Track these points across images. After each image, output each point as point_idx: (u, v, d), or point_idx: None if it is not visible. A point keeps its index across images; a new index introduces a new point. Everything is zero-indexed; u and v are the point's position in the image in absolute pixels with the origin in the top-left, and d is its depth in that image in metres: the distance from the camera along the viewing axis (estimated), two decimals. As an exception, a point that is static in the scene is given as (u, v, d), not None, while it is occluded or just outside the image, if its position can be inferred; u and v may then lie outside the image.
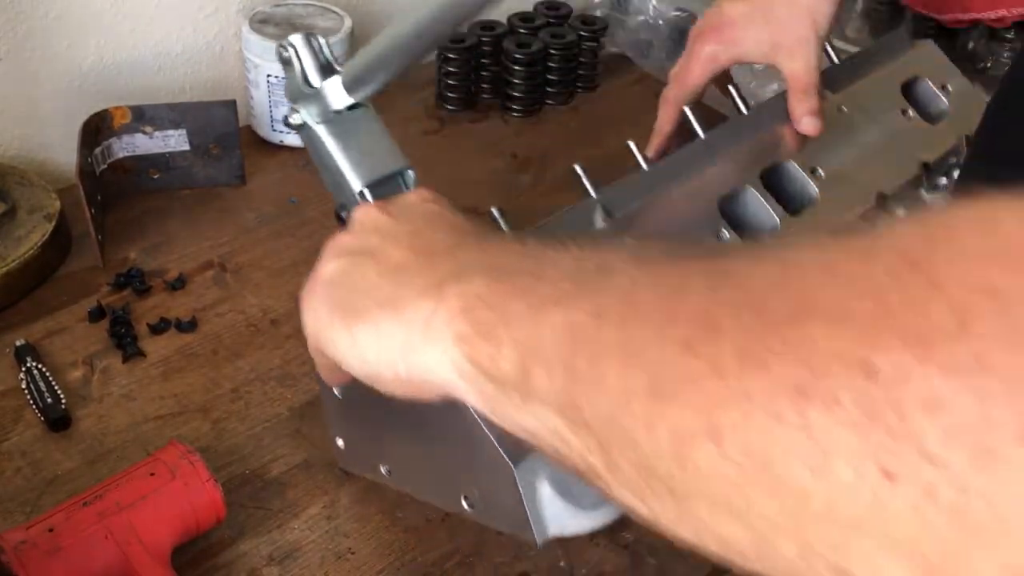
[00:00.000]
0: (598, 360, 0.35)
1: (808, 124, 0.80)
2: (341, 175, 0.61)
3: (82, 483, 0.68)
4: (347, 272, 0.49)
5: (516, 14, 1.15)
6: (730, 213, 0.74)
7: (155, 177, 0.96)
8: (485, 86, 1.12)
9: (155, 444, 0.71)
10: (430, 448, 0.59)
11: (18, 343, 0.77)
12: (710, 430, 0.30)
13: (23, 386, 0.74)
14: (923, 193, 0.83)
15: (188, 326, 0.82)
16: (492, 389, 0.40)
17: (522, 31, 1.12)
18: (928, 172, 0.84)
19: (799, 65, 0.80)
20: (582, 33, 1.14)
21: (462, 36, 1.11)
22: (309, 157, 0.66)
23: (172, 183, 0.96)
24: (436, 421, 0.56)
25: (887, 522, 0.27)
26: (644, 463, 0.33)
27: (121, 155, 0.94)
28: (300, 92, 0.62)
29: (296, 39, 0.62)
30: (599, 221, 0.68)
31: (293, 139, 1.03)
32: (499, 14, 1.19)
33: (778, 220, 0.74)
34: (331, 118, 0.61)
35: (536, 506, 0.53)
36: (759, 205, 0.75)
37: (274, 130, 1.02)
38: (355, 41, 1.03)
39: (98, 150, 0.92)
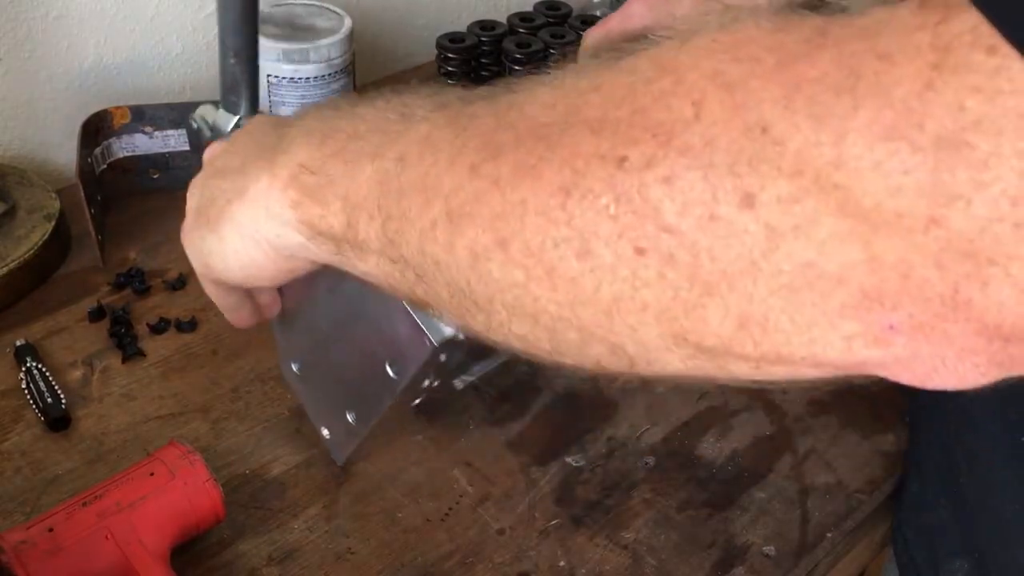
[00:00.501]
0: (403, 198, 0.39)
1: None
2: None
3: (82, 483, 0.68)
4: (203, 194, 0.56)
5: (516, 14, 1.15)
6: None
7: (155, 177, 0.96)
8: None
9: (155, 444, 0.71)
10: (353, 335, 0.62)
11: (18, 343, 0.77)
12: (497, 241, 0.35)
13: (23, 386, 0.74)
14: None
15: (188, 326, 0.81)
16: (332, 246, 0.45)
17: (522, 31, 1.12)
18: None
19: None
20: (582, 33, 1.14)
21: (462, 36, 1.11)
22: None
23: (172, 183, 0.95)
24: (342, 311, 0.62)
25: (642, 292, 0.32)
26: (452, 283, 0.38)
27: (121, 155, 0.94)
28: (202, 146, 0.73)
29: (197, 114, 0.75)
30: None
31: (293, 139, 1.03)
32: (499, 14, 1.19)
33: None
34: None
35: (425, 315, 0.57)
36: None
37: (274, 130, 1.02)
38: (355, 41, 1.03)
39: (98, 150, 0.92)
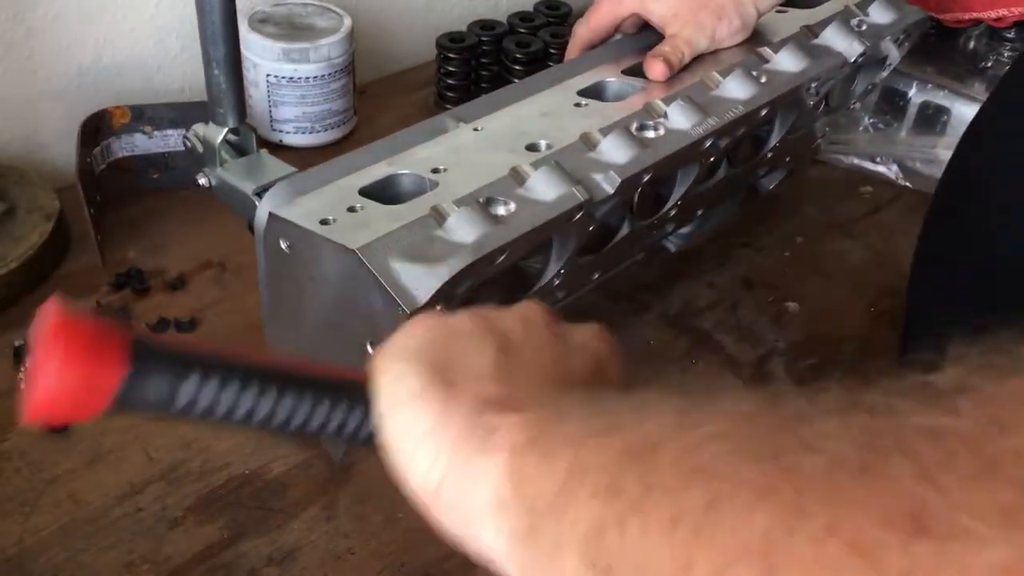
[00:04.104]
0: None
1: (655, 66, 0.78)
2: (241, 192, 0.70)
3: (82, 483, 0.68)
4: (465, 332, 0.43)
5: (516, 14, 1.15)
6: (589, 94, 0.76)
7: (155, 177, 0.96)
8: (485, 86, 1.12)
9: (155, 444, 0.71)
10: (337, 321, 0.62)
11: (17, 343, 0.77)
12: None
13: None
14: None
15: (187, 326, 0.81)
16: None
17: (522, 31, 1.12)
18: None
19: (685, 33, 0.80)
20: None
21: (462, 36, 1.11)
22: (306, 159, 0.67)
23: (172, 183, 0.95)
24: (325, 297, 0.61)
25: None
26: None
27: (121, 155, 0.94)
28: (201, 160, 0.73)
29: (192, 132, 0.74)
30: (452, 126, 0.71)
31: (292, 139, 1.03)
32: (499, 14, 1.19)
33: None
34: (224, 166, 0.73)
35: (395, 280, 0.56)
36: (619, 84, 0.77)
37: (273, 129, 1.02)
38: (355, 41, 1.03)
39: (97, 150, 0.92)
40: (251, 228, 0.65)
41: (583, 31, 0.85)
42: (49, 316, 0.37)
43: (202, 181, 0.73)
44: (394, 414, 0.41)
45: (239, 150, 0.73)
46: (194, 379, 0.38)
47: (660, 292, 0.89)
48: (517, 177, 0.63)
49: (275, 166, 0.72)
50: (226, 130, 0.72)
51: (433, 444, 0.39)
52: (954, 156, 0.75)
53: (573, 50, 0.86)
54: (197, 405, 0.39)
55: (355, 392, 0.42)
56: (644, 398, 0.35)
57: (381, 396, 0.41)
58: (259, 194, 0.67)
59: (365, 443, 0.43)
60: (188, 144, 0.74)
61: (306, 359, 0.43)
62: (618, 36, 0.85)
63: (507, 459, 0.36)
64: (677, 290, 0.89)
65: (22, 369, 0.41)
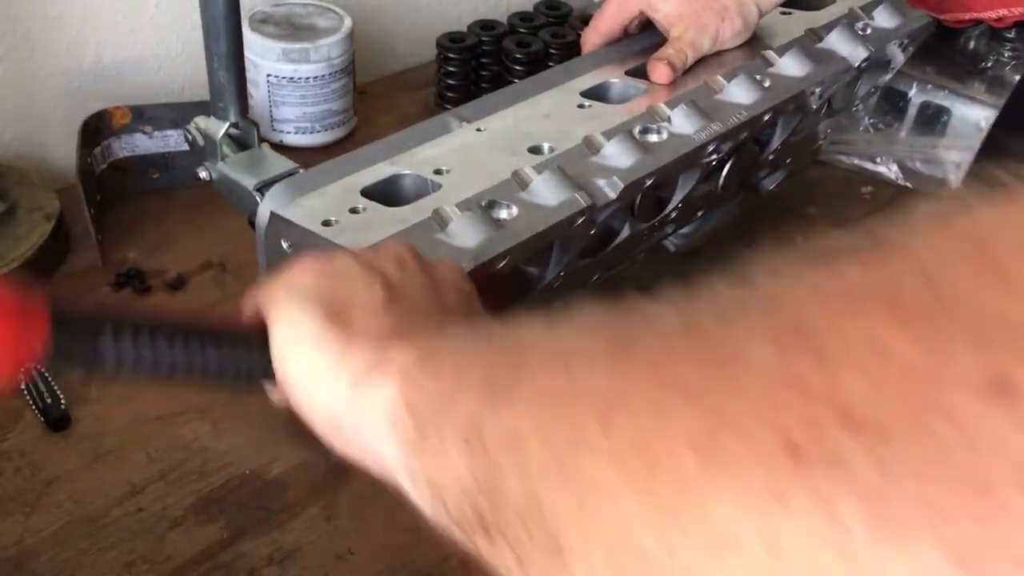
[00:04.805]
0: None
1: (659, 69, 0.79)
2: (242, 187, 0.70)
3: (82, 483, 0.68)
4: (351, 275, 0.47)
5: (516, 14, 1.15)
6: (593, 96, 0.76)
7: (155, 177, 0.96)
8: (485, 86, 1.12)
9: (155, 444, 0.71)
10: None
11: (18, 343, 0.77)
12: None
13: (23, 386, 0.74)
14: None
15: (188, 326, 0.81)
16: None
17: (522, 31, 1.12)
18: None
19: (689, 35, 0.80)
20: (582, 33, 1.14)
21: (462, 36, 1.11)
22: (307, 159, 0.68)
23: (172, 183, 0.95)
24: None
25: None
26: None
27: (121, 155, 0.94)
28: (202, 153, 0.74)
29: (193, 125, 0.75)
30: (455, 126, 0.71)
31: (293, 139, 1.03)
32: (499, 14, 1.19)
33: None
34: (226, 160, 0.74)
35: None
36: (623, 86, 0.78)
37: (274, 129, 1.02)
38: (355, 41, 1.03)
39: (98, 150, 0.92)
40: (251, 223, 0.65)
41: (594, 37, 0.85)
42: None
43: (203, 175, 0.72)
44: (294, 354, 0.45)
45: (240, 144, 0.73)
46: (107, 334, 0.43)
47: (659, 291, 0.88)
48: (519, 180, 0.63)
49: (276, 161, 0.72)
50: (228, 124, 0.72)
51: (334, 379, 0.43)
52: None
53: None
54: (113, 358, 0.43)
55: (250, 336, 0.46)
56: (517, 319, 0.39)
57: (279, 338, 0.45)
58: (260, 189, 0.67)
59: (262, 379, 0.47)
60: (189, 137, 0.74)
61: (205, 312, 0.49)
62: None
63: (399, 379, 0.40)
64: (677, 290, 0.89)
65: None
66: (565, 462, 0.30)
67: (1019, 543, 0.22)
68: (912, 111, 1.06)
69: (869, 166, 1.05)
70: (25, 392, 0.74)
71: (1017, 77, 1.05)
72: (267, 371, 0.46)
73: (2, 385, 0.42)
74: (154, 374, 0.45)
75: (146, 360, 0.44)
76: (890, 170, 1.05)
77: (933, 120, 1.05)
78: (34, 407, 0.73)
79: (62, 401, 0.73)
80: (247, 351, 0.46)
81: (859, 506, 0.23)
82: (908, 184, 1.04)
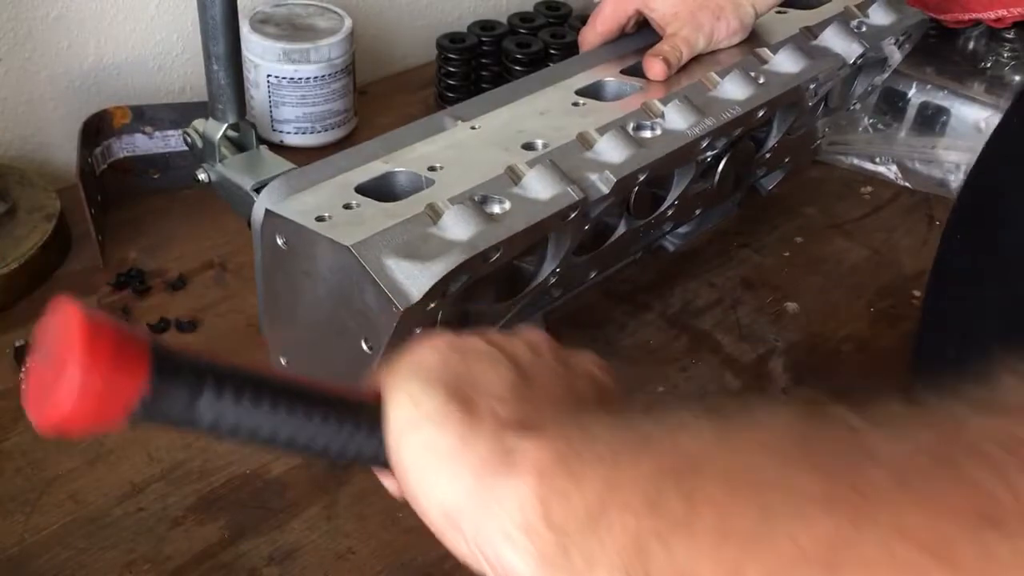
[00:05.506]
0: None
1: (654, 65, 0.78)
2: (240, 189, 0.71)
3: (82, 483, 0.68)
4: (479, 355, 0.43)
5: (516, 14, 1.15)
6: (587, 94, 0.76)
7: (155, 177, 0.96)
8: (485, 86, 1.12)
9: (155, 444, 0.71)
10: (331, 318, 0.62)
11: (18, 343, 0.77)
12: None
13: (25, 387, 0.74)
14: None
15: (188, 326, 0.82)
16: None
17: (522, 31, 1.12)
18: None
19: (684, 32, 0.80)
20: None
21: (462, 36, 1.11)
22: (307, 159, 0.67)
23: (172, 183, 0.95)
24: (320, 294, 0.61)
25: None
26: None
27: (121, 155, 0.94)
28: (201, 155, 0.74)
29: (192, 128, 0.76)
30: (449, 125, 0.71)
31: (293, 139, 1.03)
32: (499, 14, 1.19)
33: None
34: (224, 162, 0.74)
35: (389, 277, 0.56)
36: (618, 84, 0.77)
37: (274, 130, 1.02)
38: (355, 41, 1.03)
39: (98, 150, 0.92)
40: (250, 224, 0.66)
41: (592, 36, 0.85)
42: (70, 320, 0.34)
43: (201, 176, 0.73)
44: (410, 436, 0.40)
45: (239, 146, 0.73)
46: (210, 390, 0.37)
47: (660, 292, 0.89)
48: (513, 176, 0.63)
49: (274, 162, 0.72)
50: (226, 126, 0.72)
51: (454, 465, 0.38)
52: (976, 168, 0.74)
53: None
54: (208, 418, 0.38)
55: (366, 413, 0.41)
56: (667, 414, 0.35)
57: (395, 417, 0.40)
58: (258, 190, 0.68)
59: (375, 464, 0.42)
60: (188, 139, 0.74)
61: (315, 378, 0.42)
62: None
63: (534, 480, 0.36)
64: (677, 290, 0.89)
65: (23, 369, 0.39)
66: None
67: None
68: (911, 111, 1.06)
69: (868, 166, 1.05)
70: (26, 392, 0.74)
71: (1017, 77, 1.05)
72: (379, 454, 0.41)
73: (90, 429, 0.36)
74: (249, 442, 0.40)
75: (244, 427, 0.39)
76: (890, 170, 1.05)
77: (932, 120, 1.05)
78: (34, 407, 0.73)
79: (62, 401, 0.73)
80: (360, 428, 0.41)
81: None
82: (908, 184, 1.04)
